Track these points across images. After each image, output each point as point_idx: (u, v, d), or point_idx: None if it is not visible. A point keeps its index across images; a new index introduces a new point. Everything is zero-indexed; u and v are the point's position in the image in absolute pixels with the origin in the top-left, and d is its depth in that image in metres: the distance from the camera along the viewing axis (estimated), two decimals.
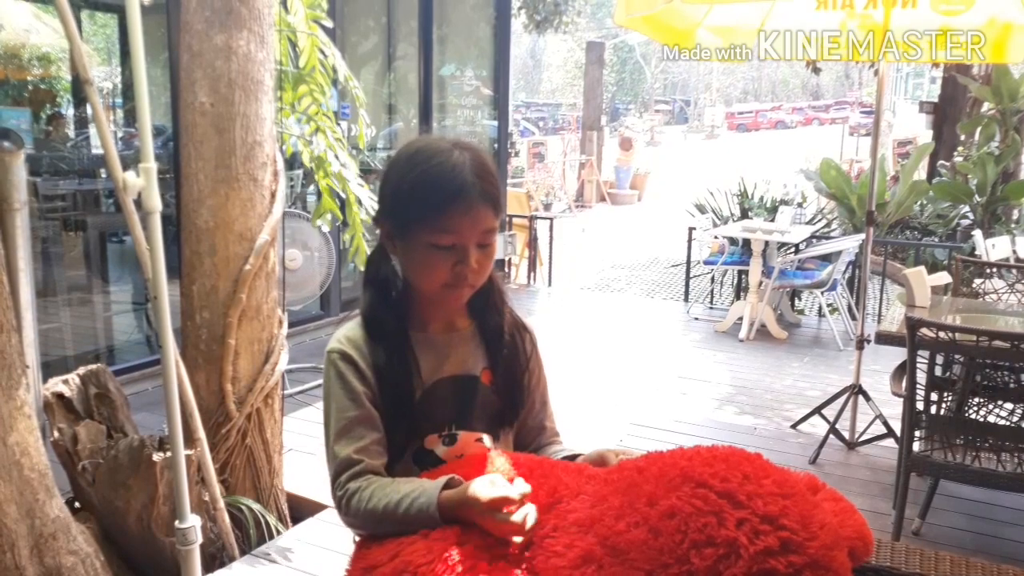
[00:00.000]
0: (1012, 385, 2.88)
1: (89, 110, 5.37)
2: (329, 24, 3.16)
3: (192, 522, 1.74)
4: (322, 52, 3.12)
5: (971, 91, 9.02)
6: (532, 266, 7.95)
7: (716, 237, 6.78)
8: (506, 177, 8.58)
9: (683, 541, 0.92)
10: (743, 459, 1.02)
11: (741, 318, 6.05)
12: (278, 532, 2.87)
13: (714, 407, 4.59)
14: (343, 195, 3.36)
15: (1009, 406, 2.86)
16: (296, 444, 3.71)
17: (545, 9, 13.11)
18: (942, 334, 2.74)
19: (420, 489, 1.15)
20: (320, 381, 4.97)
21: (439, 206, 1.21)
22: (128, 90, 5.59)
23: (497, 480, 1.09)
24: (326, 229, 3.96)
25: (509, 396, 1.36)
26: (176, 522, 1.74)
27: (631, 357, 5.58)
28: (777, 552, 0.90)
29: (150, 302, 1.81)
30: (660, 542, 0.93)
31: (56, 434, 2.46)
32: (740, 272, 6.75)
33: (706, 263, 6.90)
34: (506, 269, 7.79)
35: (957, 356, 3.22)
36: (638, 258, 10.39)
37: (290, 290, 4.54)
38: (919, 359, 2.89)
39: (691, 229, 7.16)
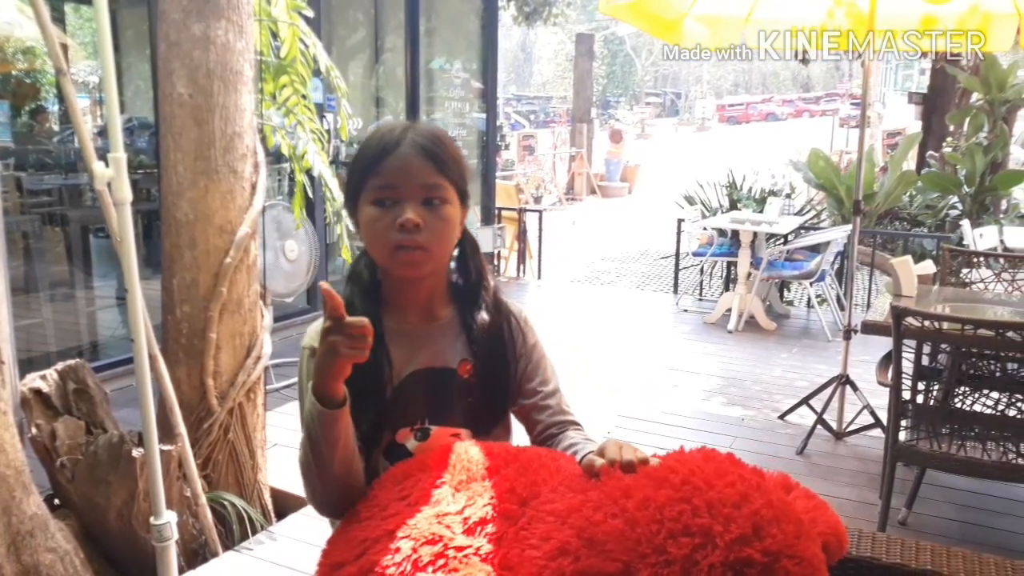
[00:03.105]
0: (997, 374, 2.88)
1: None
2: (310, 14, 3.12)
3: (167, 518, 1.72)
4: (303, 42, 3.08)
5: (960, 82, 9.03)
6: (521, 259, 7.92)
7: (705, 229, 6.77)
8: (495, 170, 8.53)
9: (660, 531, 0.90)
10: (710, 458, 1.00)
11: (730, 309, 6.04)
12: (261, 527, 2.85)
13: (703, 399, 4.58)
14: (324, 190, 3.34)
15: (995, 395, 2.85)
16: (281, 439, 3.68)
17: (534, 1, 13.05)
18: (927, 323, 2.73)
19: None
20: None
21: (372, 161, 1.23)
22: (116, 83, 5.53)
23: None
24: (326, 222, 3.94)
25: (489, 390, 1.32)
26: (152, 518, 1.71)
27: (620, 349, 5.57)
28: (752, 539, 0.88)
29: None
30: (637, 532, 0.91)
31: (34, 430, 2.43)
32: (729, 263, 6.75)
33: (695, 255, 6.89)
34: (495, 262, 7.76)
35: (943, 345, 3.22)
36: (628, 250, 10.37)
37: (290, 280, 4.60)
38: (905, 349, 2.88)
39: (680, 221, 7.14)
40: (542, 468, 1.12)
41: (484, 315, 1.32)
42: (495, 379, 1.32)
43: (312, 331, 1.29)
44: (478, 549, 1.00)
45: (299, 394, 1.26)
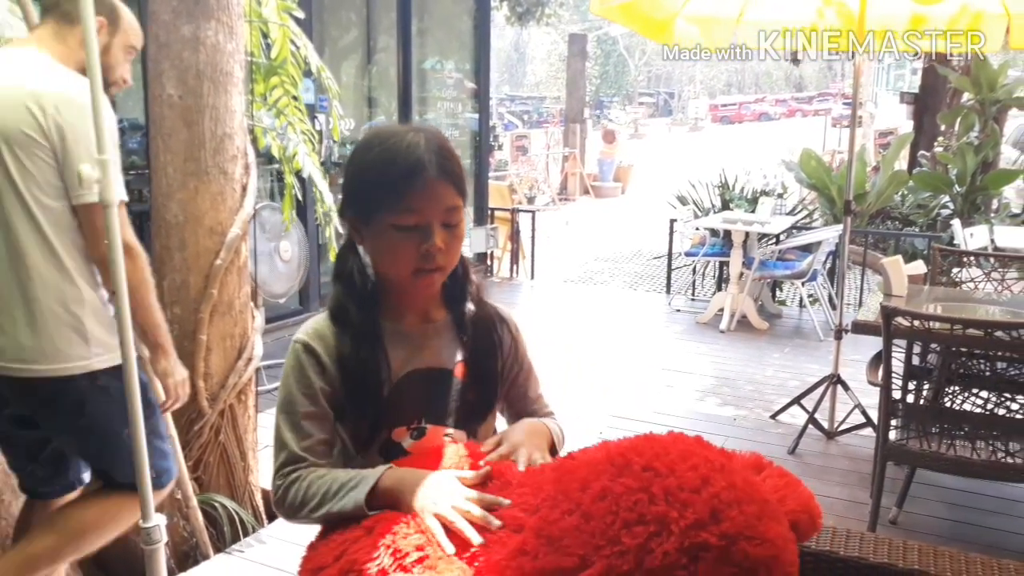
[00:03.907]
0: (987, 373, 2.89)
1: None
2: (300, 15, 3.12)
3: (156, 521, 1.71)
4: (294, 43, 3.08)
5: (951, 82, 9.06)
6: (515, 259, 7.92)
7: (697, 229, 6.78)
8: (488, 170, 8.54)
9: (614, 522, 0.91)
10: (679, 440, 1.01)
11: (722, 309, 6.05)
12: (253, 529, 2.84)
13: (695, 398, 4.59)
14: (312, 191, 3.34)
15: (984, 394, 2.87)
16: (272, 441, 3.67)
17: (527, 1, 13.06)
18: (916, 323, 2.74)
19: (358, 478, 1.16)
20: None
21: (397, 185, 1.19)
22: None
23: (465, 507, 1.07)
24: (317, 223, 3.95)
25: (482, 390, 1.34)
26: (140, 521, 1.71)
27: (613, 349, 5.58)
28: (708, 523, 0.89)
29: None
30: (592, 525, 0.92)
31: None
32: (721, 263, 6.76)
33: (687, 255, 6.90)
34: (488, 262, 7.76)
35: (933, 345, 3.23)
36: (621, 250, 10.38)
37: (285, 281, 4.61)
38: (896, 348, 2.90)
39: (672, 221, 7.16)
40: (511, 466, 1.14)
41: (476, 313, 1.35)
42: (485, 376, 1.34)
43: (309, 326, 1.29)
44: (454, 550, 1.01)
45: (281, 386, 1.28)
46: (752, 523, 0.90)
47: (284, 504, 1.22)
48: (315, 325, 1.29)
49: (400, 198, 1.19)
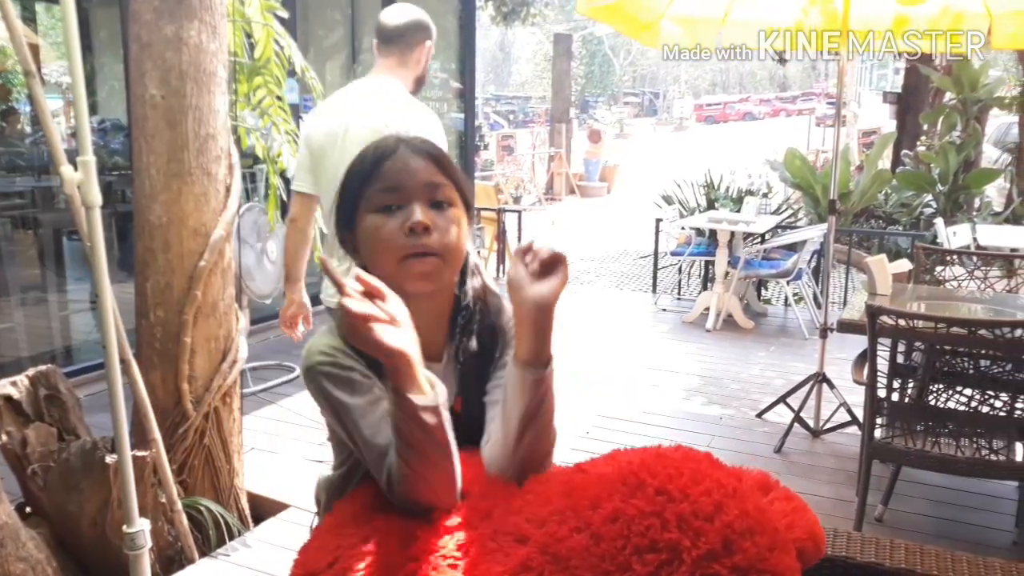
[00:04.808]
0: (970, 371, 2.91)
1: (51, 104, 5.24)
2: (284, 14, 3.10)
3: (140, 526, 1.69)
4: (278, 43, 3.06)
5: (933, 81, 9.13)
6: (501, 259, 7.91)
7: (683, 228, 6.80)
8: (475, 170, 8.52)
9: (625, 547, 0.89)
10: (690, 458, 0.99)
11: (708, 308, 6.07)
12: (239, 533, 2.82)
13: (681, 398, 4.60)
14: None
15: (968, 392, 2.88)
16: (258, 443, 3.65)
17: (512, 1, 13.06)
18: (901, 321, 2.76)
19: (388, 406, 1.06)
20: (286, 378, 4.80)
21: (373, 167, 1.17)
22: (89, 84, 5.46)
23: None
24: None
25: (477, 424, 1.25)
26: (124, 526, 1.69)
27: (600, 349, 5.58)
28: (721, 554, 0.88)
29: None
30: (602, 548, 0.90)
31: (4, 438, 2.39)
32: (707, 263, 6.78)
33: (673, 254, 6.91)
34: None
35: (918, 343, 3.25)
36: (607, 250, 10.39)
37: (271, 281, 4.60)
38: (880, 347, 2.91)
39: (658, 221, 7.17)
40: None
41: (484, 346, 1.26)
42: (480, 410, 1.25)
43: (323, 346, 1.14)
44: (448, 556, 0.99)
45: (334, 415, 1.13)
46: (764, 555, 0.89)
47: (396, 493, 1.06)
48: (328, 341, 1.15)
49: (377, 179, 1.16)
